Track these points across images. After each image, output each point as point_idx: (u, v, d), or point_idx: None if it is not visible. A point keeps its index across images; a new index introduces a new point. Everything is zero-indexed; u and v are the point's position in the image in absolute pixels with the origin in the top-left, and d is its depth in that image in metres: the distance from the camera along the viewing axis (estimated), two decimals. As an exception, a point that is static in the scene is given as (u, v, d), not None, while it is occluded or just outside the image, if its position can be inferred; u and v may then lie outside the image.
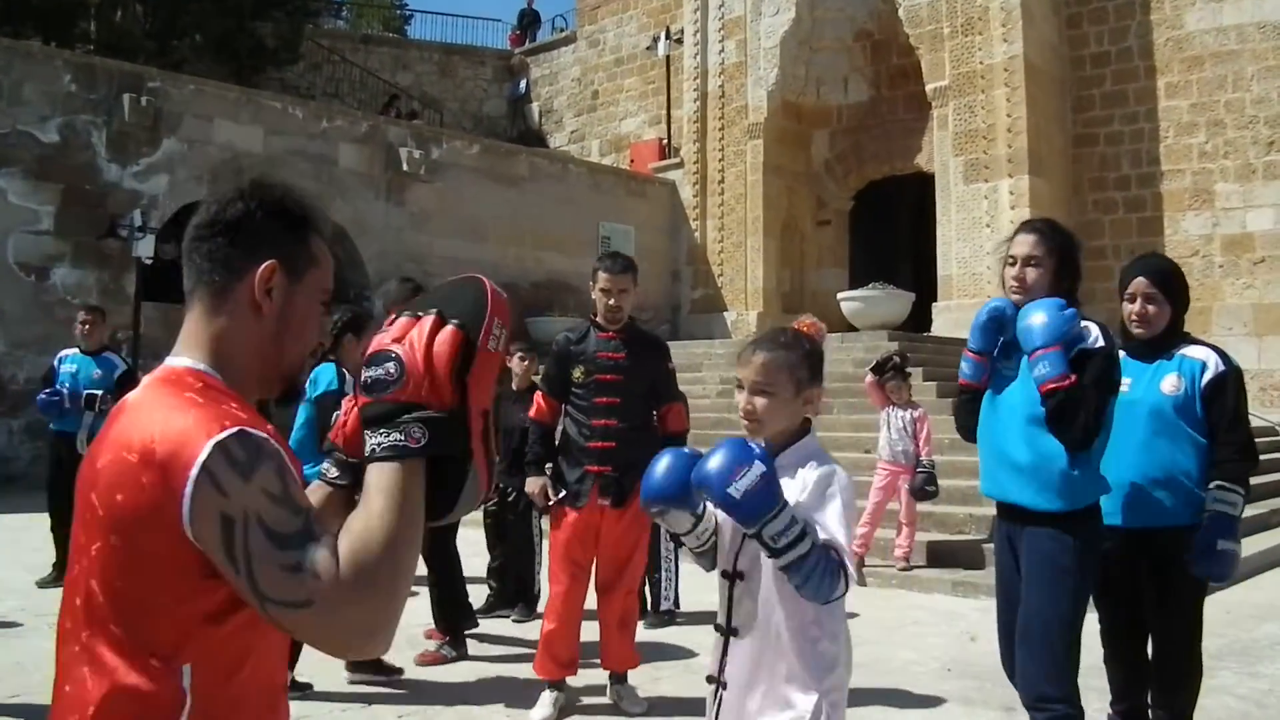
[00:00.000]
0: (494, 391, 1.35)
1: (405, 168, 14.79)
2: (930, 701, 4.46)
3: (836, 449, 9.90)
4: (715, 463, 1.98)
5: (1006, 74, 14.36)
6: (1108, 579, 3.28)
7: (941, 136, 15.20)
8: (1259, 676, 4.87)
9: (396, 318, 1.30)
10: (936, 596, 6.69)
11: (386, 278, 14.64)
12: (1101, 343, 2.93)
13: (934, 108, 15.33)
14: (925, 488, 7.02)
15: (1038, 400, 2.86)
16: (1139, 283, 3.26)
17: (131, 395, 1.30)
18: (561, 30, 24.68)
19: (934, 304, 14.94)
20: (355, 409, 1.32)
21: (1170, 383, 3.19)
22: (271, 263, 1.34)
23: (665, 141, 19.73)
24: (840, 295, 14.63)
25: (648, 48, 20.33)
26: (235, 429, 1.18)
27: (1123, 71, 14.97)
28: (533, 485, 4.49)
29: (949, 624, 5.89)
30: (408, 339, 1.25)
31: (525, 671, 4.61)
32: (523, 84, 24.16)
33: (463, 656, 5.06)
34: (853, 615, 6.17)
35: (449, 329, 1.26)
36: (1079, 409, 2.81)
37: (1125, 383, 3.23)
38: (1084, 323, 2.97)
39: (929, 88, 15.28)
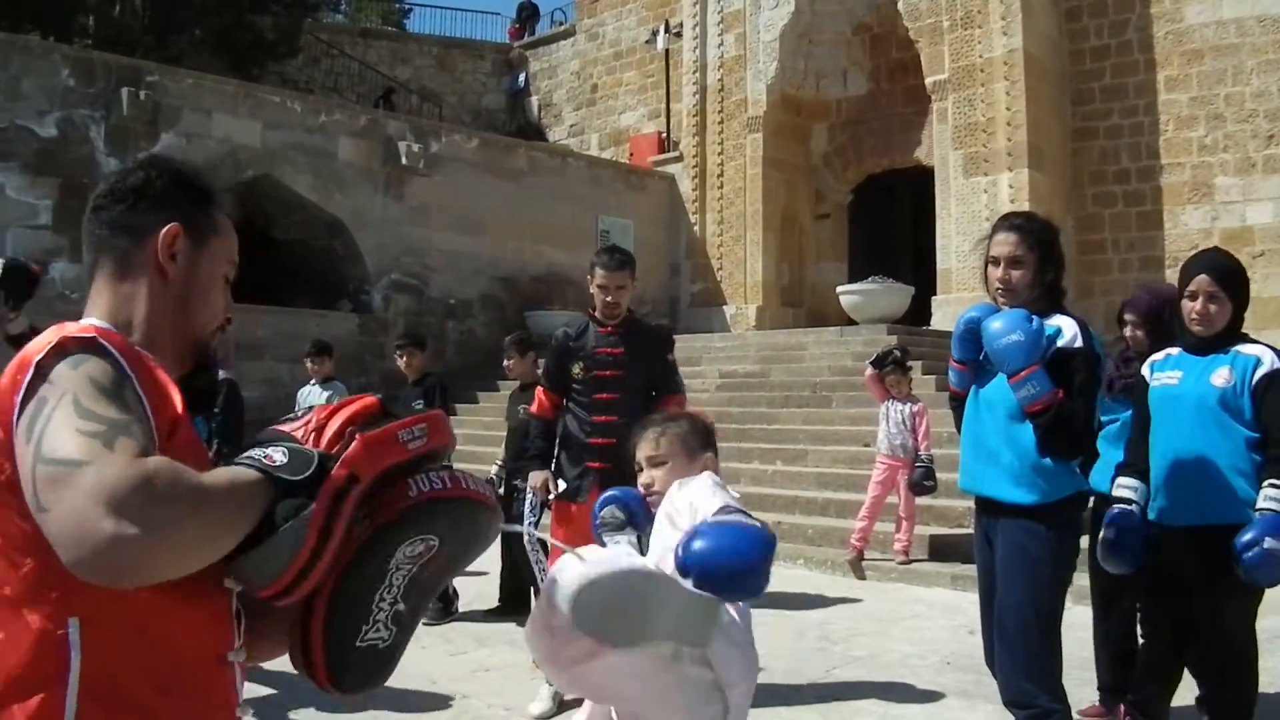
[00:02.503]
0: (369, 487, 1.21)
1: (404, 161, 14.77)
2: (929, 695, 4.47)
3: (835, 443, 9.93)
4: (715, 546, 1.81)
5: (1006, 67, 14.33)
6: (1155, 576, 3.27)
7: (941, 130, 15.18)
8: (1260, 671, 4.87)
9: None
10: (936, 590, 6.70)
11: (385, 271, 14.65)
12: (1080, 342, 2.90)
13: (933, 101, 15.31)
14: (924, 482, 7.03)
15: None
16: (1201, 280, 3.18)
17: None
18: (560, 24, 24.65)
19: (933, 298, 14.93)
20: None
21: (1221, 375, 3.12)
22: (174, 225, 1.34)
23: (664, 135, 19.70)
24: (839, 289, 14.62)
25: (647, 41, 20.28)
26: (66, 336, 1.15)
27: (1122, 65, 14.94)
28: (535, 479, 4.49)
29: (948, 617, 5.90)
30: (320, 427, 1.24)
31: (525, 663, 4.61)
32: (522, 78, 24.12)
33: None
34: (854, 602, 6.20)
35: (362, 400, 1.28)
36: (1070, 423, 2.79)
37: (1175, 376, 3.21)
38: (1060, 319, 2.94)
39: (928, 81, 15.25)
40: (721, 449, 9.59)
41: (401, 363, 6.47)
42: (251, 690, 3.65)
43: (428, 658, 5.04)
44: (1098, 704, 4.02)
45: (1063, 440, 2.83)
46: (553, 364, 4.44)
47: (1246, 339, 3.21)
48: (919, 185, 16.25)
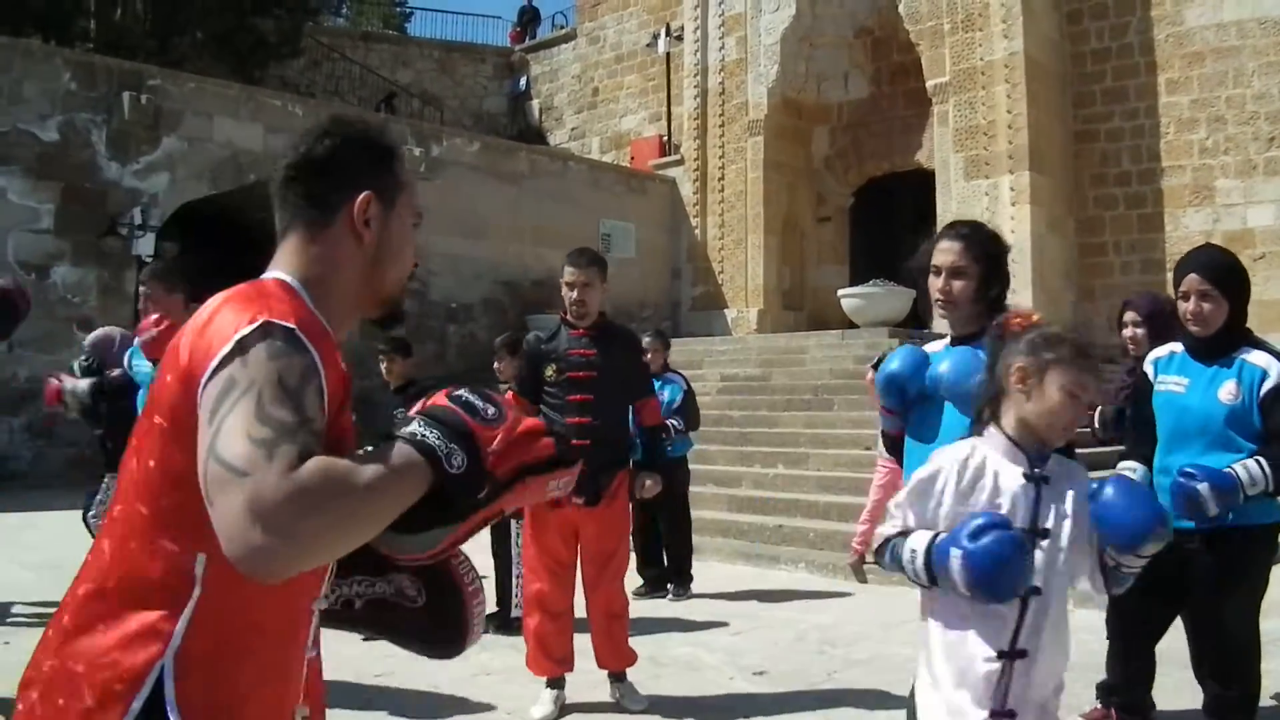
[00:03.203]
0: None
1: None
2: (931, 698, 4.46)
3: (837, 446, 9.92)
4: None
5: (1007, 70, 14.34)
6: (1154, 576, 3.26)
7: (942, 133, 15.18)
8: (1263, 674, 4.86)
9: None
10: (937, 593, 6.69)
11: (387, 275, 14.64)
12: None
13: (934, 104, 15.31)
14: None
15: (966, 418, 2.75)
16: (1191, 280, 3.13)
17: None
18: (561, 27, 24.66)
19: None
20: (423, 405, 1.30)
21: (1228, 390, 3.06)
22: (368, 193, 1.39)
23: (665, 138, 19.71)
24: (841, 292, 14.63)
25: (648, 45, 20.30)
26: (266, 318, 1.21)
27: (1123, 67, 14.95)
28: None
29: (950, 621, 5.88)
30: (514, 412, 1.29)
31: (525, 670, 4.61)
32: (523, 81, 24.14)
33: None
34: (856, 605, 6.19)
35: (548, 440, 1.30)
36: None
37: (1182, 382, 3.16)
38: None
39: (929, 84, 15.26)
40: (723, 452, 9.61)
41: (383, 368, 6.29)
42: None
43: (428, 661, 5.03)
44: (1099, 706, 3.99)
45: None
46: (525, 369, 4.39)
47: (1250, 340, 3.15)
48: (920, 188, 16.25)
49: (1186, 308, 3.14)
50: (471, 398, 1.26)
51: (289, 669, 1.34)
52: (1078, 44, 15.38)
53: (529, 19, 26.23)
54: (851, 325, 13.98)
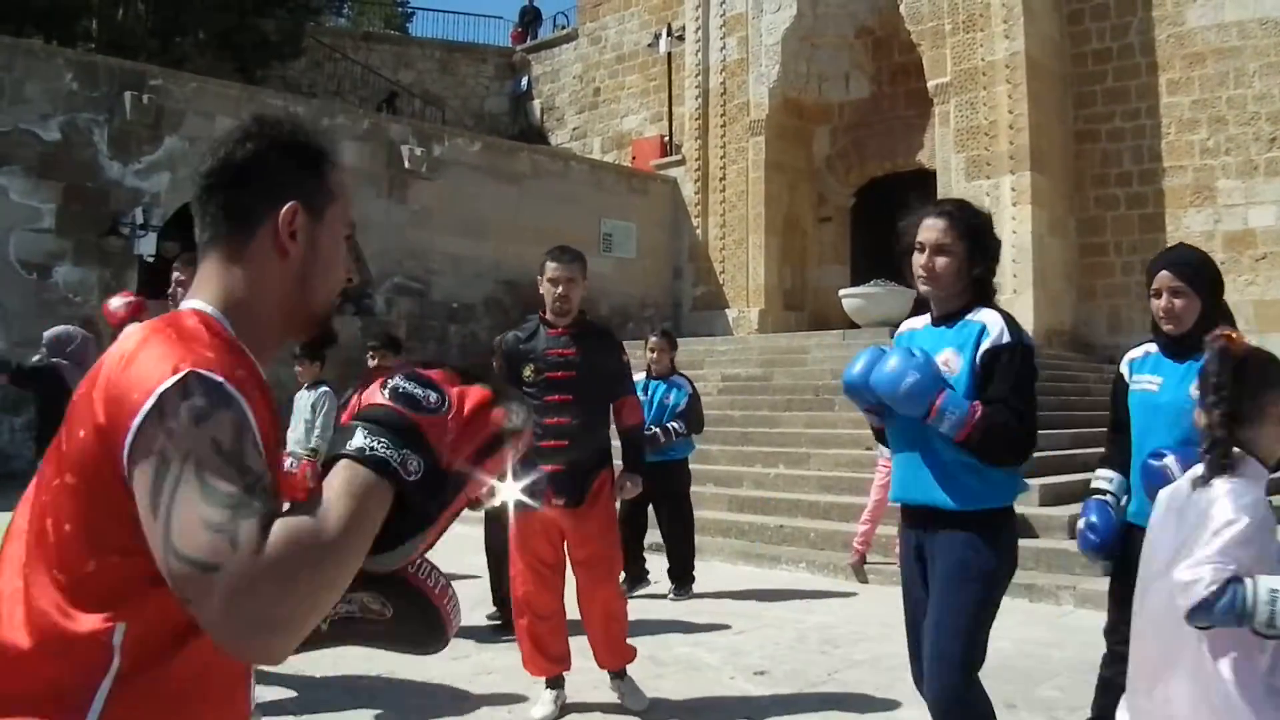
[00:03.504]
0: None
1: (407, 165, 14.79)
2: (932, 698, 4.46)
3: (838, 446, 9.92)
4: None
5: (1008, 70, 14.34)
6: (1126, 583, 3.24)
7: (943, 133, 15.18)
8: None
9: (432, 368, 1.20)
10: (938, 593, 6.69)
11: (388, 275, 14.66)
12: (1008, 336, 2.73)
13: (935, 104, 15.31)
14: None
15: None
16: (1163, 277, 3.12)
17: (128, 330, 1.23)
18: (563, 27, 24.66)
19: (936, 301, 14.92)
20: (358, 403, 1.20)
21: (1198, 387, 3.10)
22: (293, 204, 1.27)
23: (667, 138, 19.71)
24: (842, 292, 14.63)
25: (649, 45, 20.31)
26: (189, 370, 1.10)
27: (1124, 68, 14.95)
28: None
29: (950, 621, 5.89)
30: (458, 388, 1.18)
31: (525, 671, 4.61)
32: (524, 81, 24.15)
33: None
34: (857, 605, 6.19)
35: (498, 410, 1.19)
36: (1003, 430, 2.65)
37: (1155, 381, 3.17)
38: (984, 313, 2.78)
39: (931, 84, 15.26)
40: (724, 452, 9.62)
41: (372, 365, 6.13)
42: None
43: (429, 661, 5.04)
44: None
45: (1001, 449, 2.69)
46: (504, 369, 4.34)
47: None
48: (921, 188, 16.22)
49: (1159, 305, 3.14)
50: (408, 387, 1.14)
51: None
52: (1079, 44, 15.38)
53: (530, 19, 26.23)
54: (853, 325, 13.98)
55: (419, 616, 1.34)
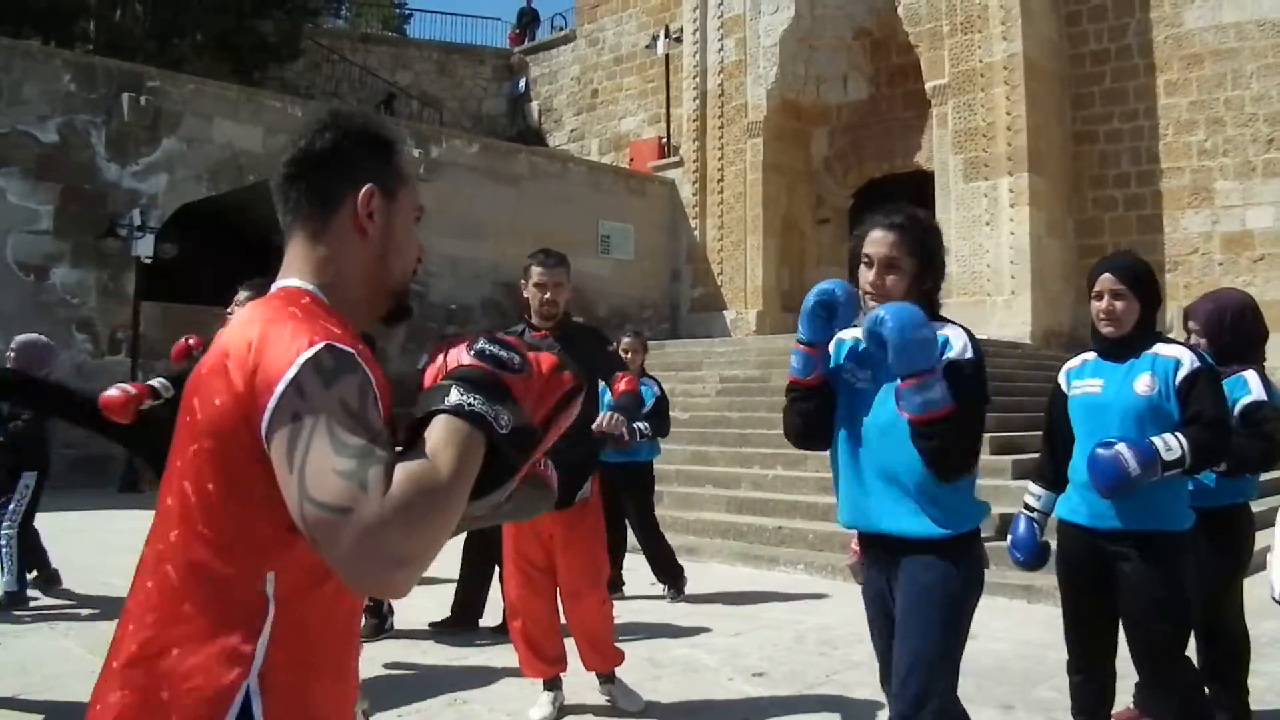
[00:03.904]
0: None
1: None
2: (930, 700, 4.46)
3: (836, 447, 9.91)
4: None
5: (1006, 72, 14.35)
6: (1077, 588, 3.26)
7: (941, 134, 15.20)
8: (1258, 674, 4.86)
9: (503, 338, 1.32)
10: (936, 595, 6.69)
11: (386, 277, 14.65)
12: (971, 353, 2.58)
13: (933, 106, 15.33)
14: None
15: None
16: (1105, 279, 3.17)
17: (241, 310, 1.36)
18: (561, 29, 24.68)
19: (934, 302, 14.93)
20: (444, 366, 1.30)
21: (1144, 382, 3.09)
22: (370, 186, 1.39)
23: (665, 140, 19.73)
24: (840, 293, 14.61)
25: (647, 46, 20.32)
26: (324, 344, 1.21)
27: (1122, 69, 14.97)
28: None
29: (949, 622, 5.89)
30: (531, 352, 1.31)
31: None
32: (522, 83, 24.16)
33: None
34: (855, 606, 6.18)
35: (566, 373, 1.34)
36: (964, 437, 2.53)
37: (1096, 384, 3.20)
38: (948, 328, 2.64)
39: (928, 86, 15.27)
40: (722, 453, 9.58)
41: None
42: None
43: (429, 662, 5.04)
44: (1132, 706, 3.95)
45: (956, 457, 2.52)
46: None
47: (1161, 339, 3.19)
48: (919, 190, 16.23)
49: (1100, 307, 3.18)
50: (495, 350, 1.27)
51: (349, 667, 1.37)
52: (1077, 46, 15.40)
53: (528, 21, 26.25)
54: (851, 327, 13.96)
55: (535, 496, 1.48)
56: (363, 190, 1.39)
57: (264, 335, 1.24)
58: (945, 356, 2.54)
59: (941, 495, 2.57)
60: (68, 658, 4.93)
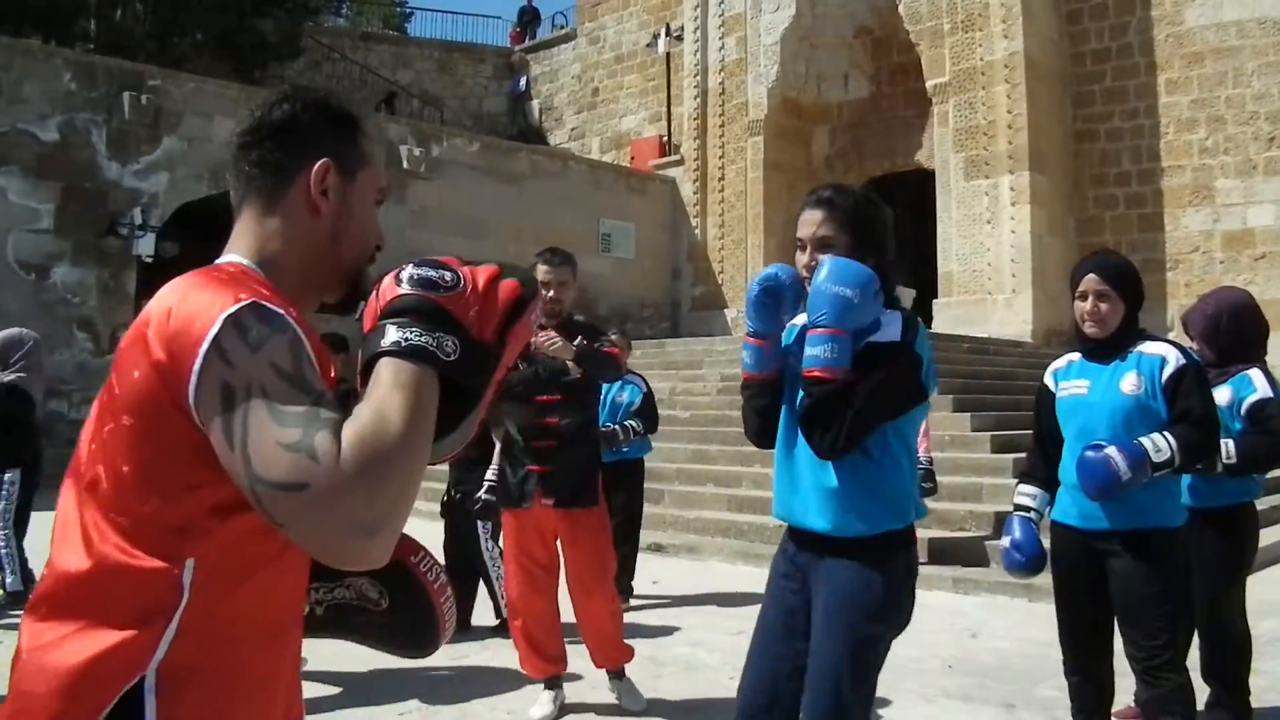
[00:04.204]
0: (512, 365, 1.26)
1: (405, 165, 14.79)
2: (931, 698, 4.46)
3: (837, 446, 9.91)
4: None
5: (1007, 70, 14.34)
6: (1068, 588, 3.23)
7: (942, 133, 15.19)
8: (1259, 673, 4.86)
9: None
10: (937, 593, 6.69)
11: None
12: (899, 337, 2.38)
13: (934, 104, 15.32)
14: (923, 485, 7.00)
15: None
16: (1089, 280, 3.13)
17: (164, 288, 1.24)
18: (561, 27, 24.67)
19: (934, 300, 14.93)
20: (376, 304, 1.18)
21: (1130, 382, 3.06)
22: (325, 161, 1.31)
23: (666, 139, 19.72)
24: (841, 292, 14.61)
25: (648, 45, 20.31)
26: (249, 300, 1.13)
27: (1123, 68, 14.95)
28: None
29: (949, 621, 5.89)
30: (466, 267, 1.19)
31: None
32: (523, 81, 24.15)
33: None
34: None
35: (509, 280, 1.20)
36: (839, 410, 2.30)
37: (1083, 385, 3.17)
38: (891, 314, 2.44)
39: (929, 84, 15.27)
40: (723, 452, 9.58)
41: None
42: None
43: (428, 661, 5.04)
44: (1132, 705, 3.94)
45: (830, 428, 2.30)
46: None
47: (1145, 336, 3.16)
48: (920, 188, 16.26)
49: (1084, 308, 3.14)
50: (422, 272, 1.15)
51: (279, 683, 1.26)
52: (1077, 44, 15.39)
53: (529, 19, 26.24)
54: (851, 325, 13.96)
55: (416, 609, 1.34)
56: (317, 165, 1.30)
57: (184, 297, 1.15)
58: (871, 338, 2.38)
59: (872, 491, 2.38)
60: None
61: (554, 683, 4.29)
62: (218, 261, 1.29)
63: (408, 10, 34.98)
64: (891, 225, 2.53)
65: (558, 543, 4.26)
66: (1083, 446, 3.04)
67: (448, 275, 1.15)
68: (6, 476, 6.01)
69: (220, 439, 1.09)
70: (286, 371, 1.11)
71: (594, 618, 4.26)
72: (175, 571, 1.13)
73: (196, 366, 1.09)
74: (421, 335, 1.11)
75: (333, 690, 4.47)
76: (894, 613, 2.42)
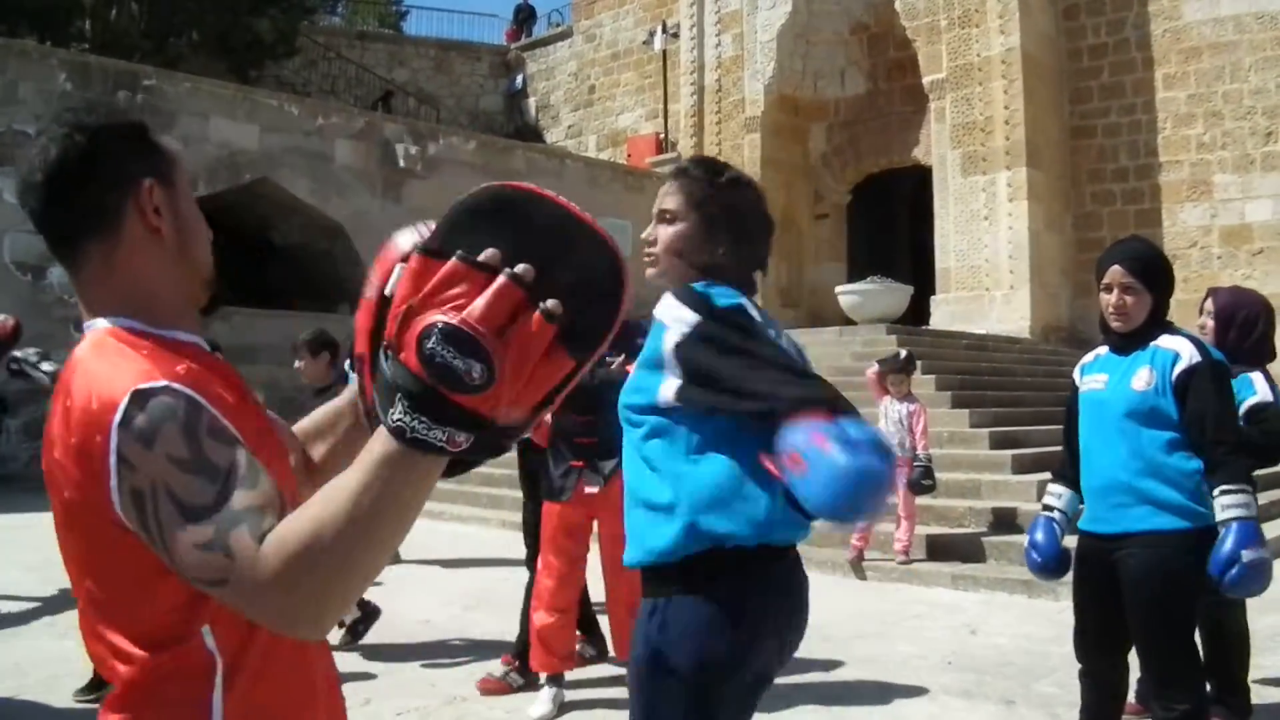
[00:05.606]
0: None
1: (402, 164, 14.77)
2: (931, 694, 4.46)
3: (835, 443, 9.89)
4: None
5: (1004, 66, 14.33)
6: (1085, 591, 3.17)
7: (939, 129, 15.18)
8: (1259, 669, 4.86)
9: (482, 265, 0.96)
10: (936, 590, 6.69)
11: (384, 274, 14.63)
12: (716, 311, 1.92)
13: (931, 100, 15.31)
14: (922, 481, 7.00)
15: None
16: (1114, 271, 2.98)
17: (65, 374, 1.17)
18: (558, 25, 24.65)
19: (932, 297, 14.93)
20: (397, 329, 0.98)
21: (1142, 378, 2.94)
22: (149, 181, 1.22)
23: (662, 136, 19.71)
24: (838, 289, 14.60)
25: (644, 42, 20.29)
26: (128, 394, 1.07)
27: (1120, 63, 14.95)
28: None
29: (949, 617, 5.89)
30: (510, 335, 0.94)
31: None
32: (519, 79, 24.13)
33: (529, 685, 4.54)
34: (855, 602, 6.18)
35: (563, 354, 0.98)
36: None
37: (1101, 380, 3.08)
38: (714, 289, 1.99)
39: (926, 80, 15.26)
40: (721, 450, 9.40)
41: (299, 367, 5.50)
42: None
43: (428, 661, 5.03)
44: (1135, 702, 3.92)
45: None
46: None
47: (1169, 329, 3.02)
48: (917, 185, 16.26)
49: (1109, 300, 3.00)
50: (446, 356, 0.91)
51: (316, 698, 1.30)
52: (1074, 39, 15.38)
53: (525, 17, 26.21)
54: (849, 322, 13.94)
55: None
56: (144, 187, 1.21)
57: (82, 405, 1.10)
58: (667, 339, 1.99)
59: (654, 487, 2.06)
60: (66, 659, 4.91)
61: (556, 680, 4.30)
62: (91, 330, 1.21)
63: (403, 9, 34.90)
64: (762, 213, 2.13)
65: (592, 528, 4.37)
66: (1093, 454, 2.98)
67: (477, 370, 0.91)
68: None
69: (146, 540, 1.07)
70: (185, 459, 1.05)
71: (624, 603, 4.24)
72: (198, 644, 1.13)
73: (114, 483, 1.06)
74: (430, 430, 0.93)
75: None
76: (681, 666, 1.95)
